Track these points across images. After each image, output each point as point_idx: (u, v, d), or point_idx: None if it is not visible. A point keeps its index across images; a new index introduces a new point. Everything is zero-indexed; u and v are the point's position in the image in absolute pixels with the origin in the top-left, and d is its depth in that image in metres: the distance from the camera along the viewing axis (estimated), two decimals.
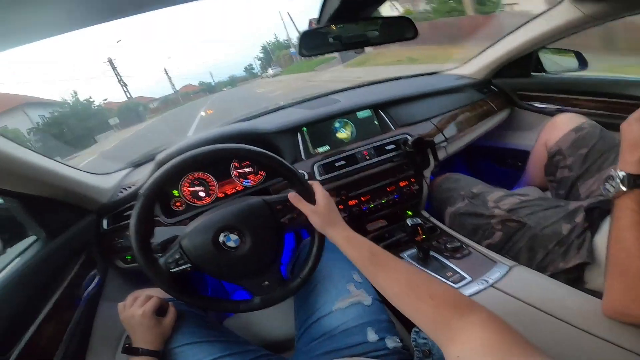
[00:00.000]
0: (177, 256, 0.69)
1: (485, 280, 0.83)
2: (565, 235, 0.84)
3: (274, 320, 0.93)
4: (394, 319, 0.77)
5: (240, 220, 0.71)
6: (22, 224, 0.83)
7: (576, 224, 0.84)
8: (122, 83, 37.63)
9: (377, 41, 0.93)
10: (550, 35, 1.28)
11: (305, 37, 0.85)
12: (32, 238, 0.85)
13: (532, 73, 1.55)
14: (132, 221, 0.66)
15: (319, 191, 0.72)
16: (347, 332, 0.71)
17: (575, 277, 0.81)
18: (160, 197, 0.99)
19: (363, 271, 0.61)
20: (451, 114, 1.40)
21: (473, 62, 1.65)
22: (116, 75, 37.16)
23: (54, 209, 0.89)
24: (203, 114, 13.08)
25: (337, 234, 0.66)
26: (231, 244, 0.70)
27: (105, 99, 37.79)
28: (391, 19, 0.94)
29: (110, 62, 36.90)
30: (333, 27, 0.85)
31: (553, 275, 0.81)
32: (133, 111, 38.18)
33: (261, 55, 64.65)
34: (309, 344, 0.75)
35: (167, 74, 58.18)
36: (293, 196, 0.72)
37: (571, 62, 1.43)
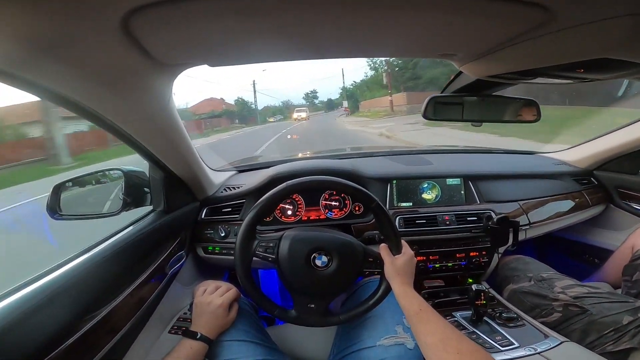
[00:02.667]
0: (270, 244, 0.79)
1: (533, 348, 0.85)
2: (624, 325, 0.85)
3: (312, 339, 0.96)
4: None
5: (337, 249, 0.79)
6: (146, 194, 0.95)
7: (638, 317, 0.85)
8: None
9: (498, 119, 0.95)
10: None
11: (431, 102, 0.90)
12: (147, 208, 0.97)
13: None
14: (251, 213, 0.79)
15: (407, 249, 0.80)
16: None
17: (619, 358, 0.82)
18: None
19: (408, 320, 0.69)
20: (541, 200, 1.34)
21: (579, 148, 1.54)
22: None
23: (178, 189, 1.02)
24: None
25: (397, 286, 0.74)
26: (319, 263, 0.78)
27: None
28: (517, 100, 0.95)
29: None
30: (460, 98, 0.90)
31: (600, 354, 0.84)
32: None
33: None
34: None
35: None
36: (384, 246, 0.80)
37: None
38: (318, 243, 0.78)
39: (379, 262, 0.79)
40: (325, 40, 0.55)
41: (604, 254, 1.36)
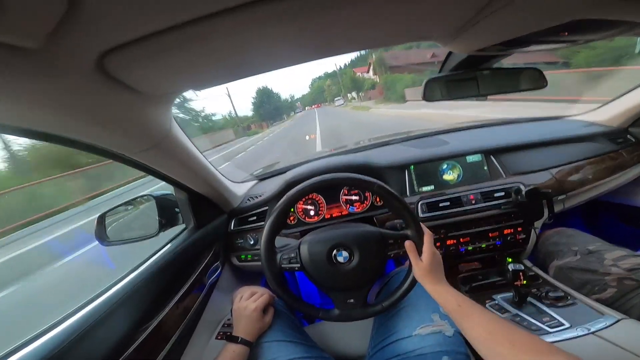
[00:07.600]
0: (292, 255, 0.82)
1: (586, 328, 0.79)
2: None
3: (350, 335, 0.98)
4: (471, 356, 0.75)
5: (354, 242, 0.80)
6: (177, 214, 1.04)
7: None
8: None
9: (506, 90, 0.93)
10: None
11: (430, 83, 0.90)
12: (181, 227, 1.05)
13: None
14: (268, 224, 0.81)
15: (427, 247, 0.76)
16: (422, 357, 0.72)
17: None
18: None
19: (452, 317, 0.66)
20: (575, 165, 1.26)
21: (607, 107, 1.44)
22: None
23: (205, 205, 1.09)
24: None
25: (429, 287, 0.72)
26: (341, 259, 0.80)
27: None
28: (519, 69, 0.93)
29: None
30: (472, 73, 0.89)
31: None
32: None
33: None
34: None
35: None
36: (409, 244, 0.77)
37: None
38: (335, 240, 0.80)
39: (400, 242, 0.79)
40: (303, 47, 0.54)
41: None
